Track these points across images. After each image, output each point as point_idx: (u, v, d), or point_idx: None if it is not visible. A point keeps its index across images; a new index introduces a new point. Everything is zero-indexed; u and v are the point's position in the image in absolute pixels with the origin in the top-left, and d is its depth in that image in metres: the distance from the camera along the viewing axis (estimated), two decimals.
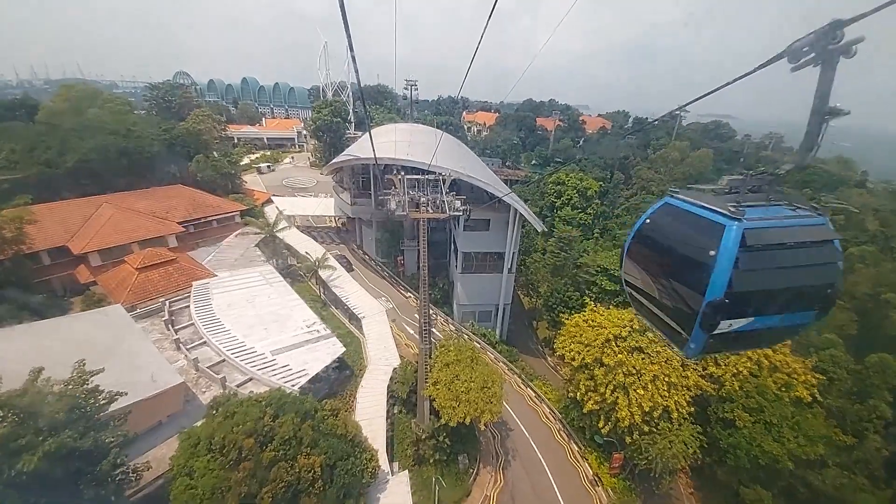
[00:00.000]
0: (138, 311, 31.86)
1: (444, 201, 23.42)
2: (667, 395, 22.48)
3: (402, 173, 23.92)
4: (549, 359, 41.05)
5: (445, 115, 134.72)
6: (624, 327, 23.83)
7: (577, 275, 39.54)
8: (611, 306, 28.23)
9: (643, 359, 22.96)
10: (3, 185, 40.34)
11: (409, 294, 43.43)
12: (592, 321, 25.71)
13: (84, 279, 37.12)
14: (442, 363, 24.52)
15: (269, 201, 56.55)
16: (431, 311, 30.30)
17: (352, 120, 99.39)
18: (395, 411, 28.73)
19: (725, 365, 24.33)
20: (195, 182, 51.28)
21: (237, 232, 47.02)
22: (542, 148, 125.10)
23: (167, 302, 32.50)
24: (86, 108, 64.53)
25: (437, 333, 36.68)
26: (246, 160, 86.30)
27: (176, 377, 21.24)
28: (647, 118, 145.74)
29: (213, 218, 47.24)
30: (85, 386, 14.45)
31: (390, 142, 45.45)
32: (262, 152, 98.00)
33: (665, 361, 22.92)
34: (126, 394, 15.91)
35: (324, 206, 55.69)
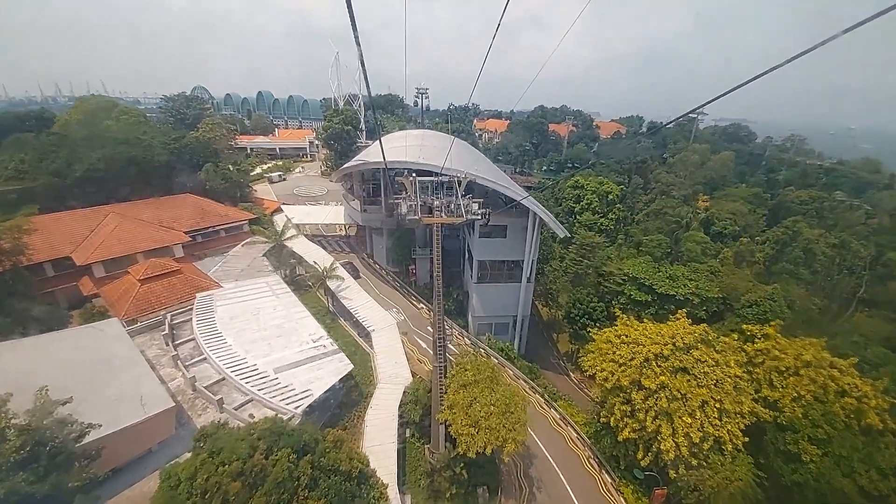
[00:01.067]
0: (139, 324, 30.38)
1: (459, 205, 21.24)
2: (718, 423, 19.57)
3: (414, 175, 21.90)
4: (572, 375, 38.13)
5: (457, 122, 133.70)
6: (665, 344, 21.05)
7: (601, 284, 36.78)
8: (644, 319, 25.43)
9: (689, 381, 20.13)
10: (10, 195, 39.94)
11: (422, 305, 41.20)
12: (626, 336, 22.98)
13: (87, 291, 35.99)
14: (458, 384, 22.10)
15: (279, 210, 55.37)
16: (446, 325, 28.02)
17: (363, 128, 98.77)
18: (408, 435, 26.31)
19: (783, 388, 21.28)
20: (204, 191, 50.41)
21: (245, 241, 45.68)
22: (556, 153, 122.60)
23: (169, 315, 30.95)
24: (100, 120, 65.03)
25: (452, 348, 34.28)
26: (258, 170, 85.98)
27: (167, 400, 19.31)
28: (661, 122, 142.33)
29: (221, 227, 46.07)
30: (51, 417, 12.52)
31: (401, 147, 43.76)
32: (274, 162, 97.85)
33: (715, 384, 20.06)
34: (100, 426, 13.98)
35: (333, 215, 54.19)
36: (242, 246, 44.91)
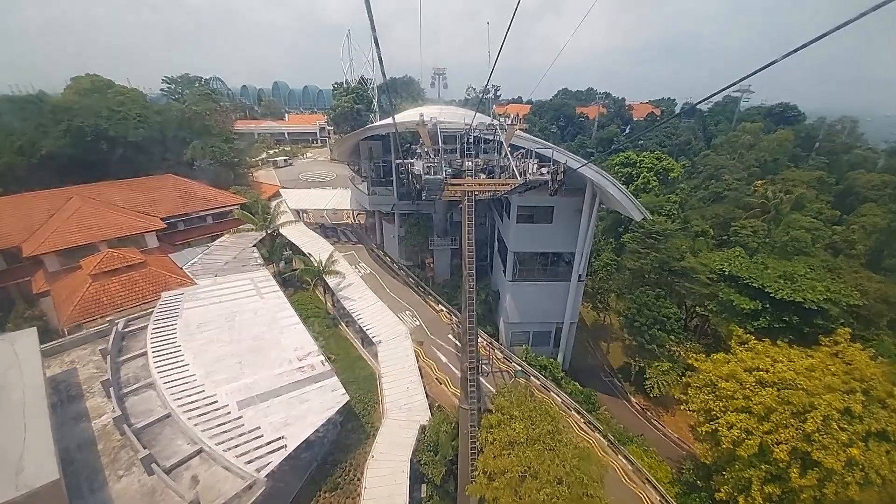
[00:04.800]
0: (84, 332, 23.90)
1: (507, 165, 13.42)
2: None
3: (433, 118, 14.28)
4: (633, 400, 30.00)
5: (475, 105, 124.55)
6: (851, 392, 12.78)
7: (674, 282, 28.39)
8: (776, 341, 17.09)
9: (890, 453, 11.88)
10: None
11: (441, 307, 33.62)
12: (764, 372, 14.77)
13: (38, 288, 29.91)
14: (502, 441, 14.43)
15: (278, 195, 48.58)
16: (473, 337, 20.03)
17: (375, 110, 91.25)
18: (423, 495, 18.93)
19: None
20: (191, 172, 44.02)
21: (235, 229, 38.98)
22: (584, 137, 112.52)
23: (121, 321, 24.30)
24: (94, 100, 59.57)
25: (485, 367, 26.54)
26: (263, 155, 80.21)
27: (50, 472, 12.33)
28: (691, 102, 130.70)
29: (208, 213, 39.53)
30: None
31: (416, 114, 36.11)
32: (281, 147, 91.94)
33: None
34: None
35: (338, 199, 46.99)
36: (231, 235, 38.23)
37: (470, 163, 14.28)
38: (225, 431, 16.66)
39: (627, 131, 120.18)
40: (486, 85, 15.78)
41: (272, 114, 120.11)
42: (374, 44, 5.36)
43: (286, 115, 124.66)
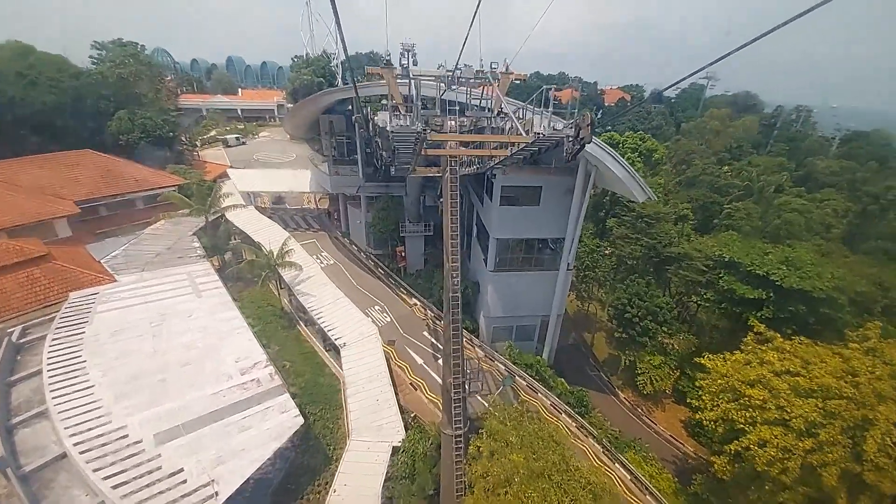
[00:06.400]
0: None
1: (507, 128, 10.14)
2: None
3: (404, 60, 10.75)
4: (622, 395, 28.26)
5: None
6: None
7: (664, 269, 26.51)
8: (796, 337, 15.12)
9: None
10: None
11: (414, 301, 30.38)
12: (798, 377, 12.63)
13: None
14: (497, 476, 11.54)
15: (225, 175, 42.91)
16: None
17: (339, 85, 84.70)
18: None
19: None
20: (118, 149, 37.59)
21: (168, 214, 33.38)
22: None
23: (15, 330, 19.41)
24: (12, 69, 50.75)
25: (474, 383, 23.59)
26: (213, 133, 72.55)
27: None
28: (656, 90, 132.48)
29: (137, 195, 33.72)
30: None
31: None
32: (235, 125, 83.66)
33: None
34: None
35: (296, 181, 42.11)
36: (167, 221, 32.77)
37: (453, 122, 10.89)
38: (134, 477, 12.78)
39: (600, 116, 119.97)
40: (458, 61, 12.25)
41: (224, 89, 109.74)
42: (333, 14, 4.93)
43: (239, 90, 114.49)
